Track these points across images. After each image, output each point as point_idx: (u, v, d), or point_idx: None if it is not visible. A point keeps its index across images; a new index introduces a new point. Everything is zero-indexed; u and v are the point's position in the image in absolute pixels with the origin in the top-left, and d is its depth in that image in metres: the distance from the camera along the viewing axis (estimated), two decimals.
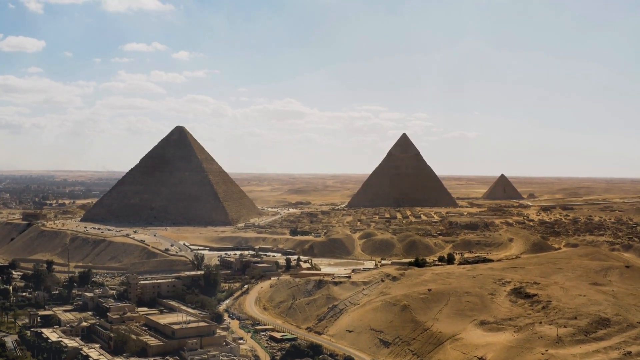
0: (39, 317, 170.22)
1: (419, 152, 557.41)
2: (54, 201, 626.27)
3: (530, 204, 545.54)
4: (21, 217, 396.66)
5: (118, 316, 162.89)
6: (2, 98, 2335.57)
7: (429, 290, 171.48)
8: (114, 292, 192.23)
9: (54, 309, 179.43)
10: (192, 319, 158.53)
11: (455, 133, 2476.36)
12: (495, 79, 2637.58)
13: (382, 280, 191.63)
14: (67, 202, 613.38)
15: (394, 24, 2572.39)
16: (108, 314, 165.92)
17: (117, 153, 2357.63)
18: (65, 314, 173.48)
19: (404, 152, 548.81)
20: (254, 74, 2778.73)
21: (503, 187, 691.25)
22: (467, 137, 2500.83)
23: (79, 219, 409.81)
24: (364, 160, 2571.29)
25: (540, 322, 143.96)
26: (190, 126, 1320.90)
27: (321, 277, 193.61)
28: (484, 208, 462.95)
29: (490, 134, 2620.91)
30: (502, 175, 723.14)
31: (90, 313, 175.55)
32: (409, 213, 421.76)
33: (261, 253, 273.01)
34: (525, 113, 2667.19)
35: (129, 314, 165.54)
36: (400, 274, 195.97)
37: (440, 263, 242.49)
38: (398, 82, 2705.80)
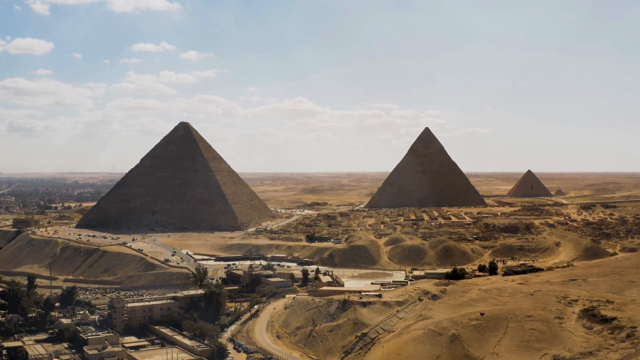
0: (4, 350, 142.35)
1: (443, 147, 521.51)
2: (60, 204, 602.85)
3: (565, 201, 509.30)
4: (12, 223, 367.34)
5: (96, 351, 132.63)
6: (13, 101, 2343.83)
7: (482, 314, 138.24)
8: (97, 317, 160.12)
9: (25, 338, 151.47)
10: (186, 356, 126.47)
11: (468, 129, 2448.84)
12: (504, 76, 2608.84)
13: (420, 299, 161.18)
14: (73, 205, 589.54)
15: (403, 21, 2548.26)
16: (85, 348, 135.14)
17: (129, 154, 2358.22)
18: (35, 346, 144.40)
19: (427, 147, 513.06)
20: (264, 73, 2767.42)
21: (530, 184, 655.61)
22: (479, 133, 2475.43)
23: (75, 225, 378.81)
24: (377, 158, 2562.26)
25: None
26: (201, 127, 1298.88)
27: (346, 296, 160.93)
28: (517, 207, 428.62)
29: (503, 130, 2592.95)
30: (529, 171, 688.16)
31: (65, 345, 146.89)
32: (436, 214, 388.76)
33: (274, 263, 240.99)
34: (535, 110, 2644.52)
35: (109, 348, 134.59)
36: (441, 291, 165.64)
37: (481, 273, 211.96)
38: (409, 79, 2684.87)
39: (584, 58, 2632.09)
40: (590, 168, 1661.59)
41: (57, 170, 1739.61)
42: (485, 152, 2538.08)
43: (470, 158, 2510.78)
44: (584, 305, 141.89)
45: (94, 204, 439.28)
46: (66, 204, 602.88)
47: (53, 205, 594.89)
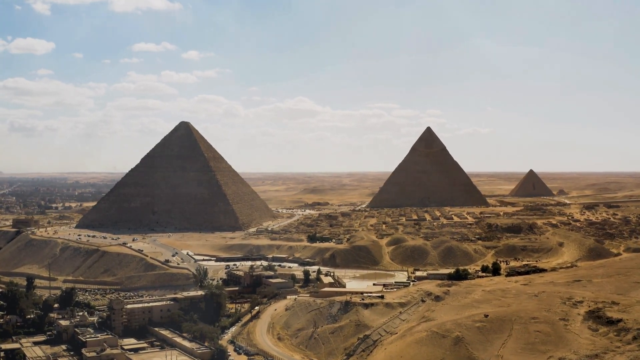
0: (2, 352, 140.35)
1: (444, 147, 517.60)
2: (61, 204, 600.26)
3: (568, 201, 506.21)
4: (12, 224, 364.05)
5: (95, 353, 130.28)
6: (14, 101, 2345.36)
7: (486, 315, 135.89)
8: (96, 318, 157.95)
9: (23, 340, 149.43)
10: (185, 359, 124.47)
11: (469, 129, 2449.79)
12: (505, 75, 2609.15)
13: (423, 301, 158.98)
14: (74, 204, 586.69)
15: (404, 20, 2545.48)
16: (83, 350, 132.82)
17: (130, 154, 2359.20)
18: (33, 349, 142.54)
19: (429, 147, 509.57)
20: (265, 73, 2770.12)
21: (532, 184, 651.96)
22: (480, 133, 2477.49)
23: (75, 225, 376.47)
24: (379, 158, 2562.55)
25: None
26: (202, 126, 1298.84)
27: (348, 298, 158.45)
28: (519, 207, 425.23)
29: (504, 129, 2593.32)
30: (531, 171, 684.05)
31: (64, 347, 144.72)
32: (438, 214, 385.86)
33: (275, 263, 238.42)
34: (536, 109, 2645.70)
35: (108, 350, 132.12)
36: (444, 292, 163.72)
37: (484, 274, 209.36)
38: (409, 79, 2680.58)
39: (585, 57, 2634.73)
40: (591, 167, 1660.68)
41: (58, 170, 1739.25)
42: (486, 151, 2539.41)
43: (471, 158, 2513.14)
44: (589, 306, 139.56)
45: (94, 203, 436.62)
46: (67, 204, 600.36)
47: (54, 205, 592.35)
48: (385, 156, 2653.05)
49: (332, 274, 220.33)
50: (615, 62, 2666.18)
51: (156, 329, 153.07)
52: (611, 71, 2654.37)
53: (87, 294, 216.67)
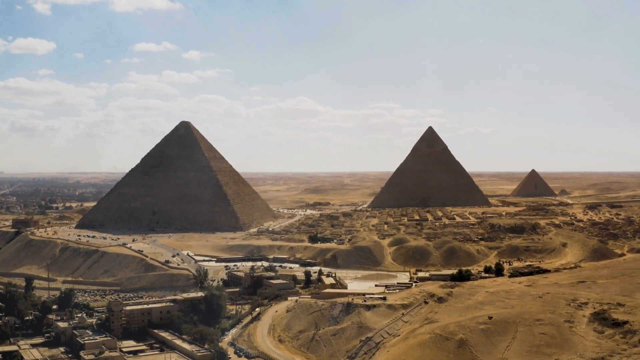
0: None
1: (446, 147, 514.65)
2: (61, 204, 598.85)
3: (570, 201, 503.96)
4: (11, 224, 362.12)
5: (93, 356, 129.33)
6: (15, 101, 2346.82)
7: (490, 317, 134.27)
8: (95, 320, 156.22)
9: (21, 342, 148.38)
10: None
11: (470, 129, 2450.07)
12: (506, 75, 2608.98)
13: (425, 302, 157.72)
14: (74, 205, 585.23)
15: (405, 20, 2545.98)
16: (81, 352, 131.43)
17: (132, 154, 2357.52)
18: (31, 351, 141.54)
19: (431, 147, 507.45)
20: (265, 73, 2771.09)
21: (534, 183, 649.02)
22: (481, 132, 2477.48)
23: (75, 225, 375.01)
24: (380, 157, 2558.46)
25: None
26: (203, 126, 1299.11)
27: (350, 299, 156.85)
28: (522, 207, 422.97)
29: (505, 129, 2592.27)
30: (533, 171, 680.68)
31: (62, 349, 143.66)
32: (440, 214, 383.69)
33: (276, 264, 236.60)
34: (536, 109, 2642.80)
35: (107, 352, 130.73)
36: (447, 294, 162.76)
37: (487, 275, 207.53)
38: (411, 79, 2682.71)
39: (587, 57, 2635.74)
40: (592, 167, 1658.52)
41: (59, 170, 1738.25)
42: (487, 151, 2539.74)
43: (472, 157, 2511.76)
44: (594, 308, 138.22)
45: (95, 204, 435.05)
46: (67, 204, 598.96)
47: (54, 205, 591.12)
48: (386, 156, 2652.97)
49: (333, 275, 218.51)
50: (615, 62, 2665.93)
51: (155, 330, 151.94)
52: (612, 71, 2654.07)
53: (86, 295, 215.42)
